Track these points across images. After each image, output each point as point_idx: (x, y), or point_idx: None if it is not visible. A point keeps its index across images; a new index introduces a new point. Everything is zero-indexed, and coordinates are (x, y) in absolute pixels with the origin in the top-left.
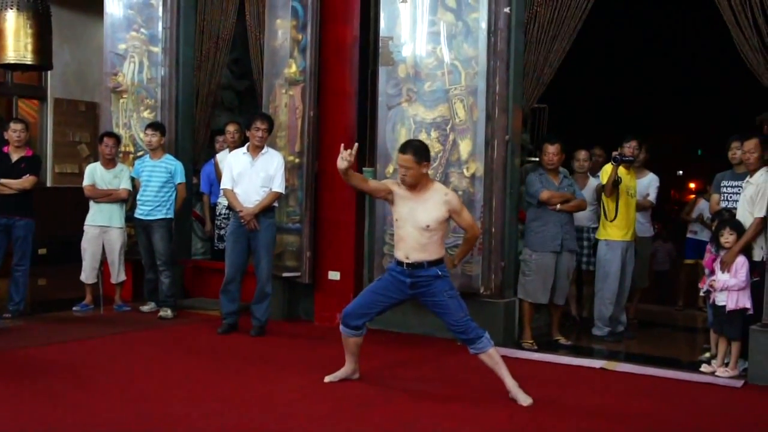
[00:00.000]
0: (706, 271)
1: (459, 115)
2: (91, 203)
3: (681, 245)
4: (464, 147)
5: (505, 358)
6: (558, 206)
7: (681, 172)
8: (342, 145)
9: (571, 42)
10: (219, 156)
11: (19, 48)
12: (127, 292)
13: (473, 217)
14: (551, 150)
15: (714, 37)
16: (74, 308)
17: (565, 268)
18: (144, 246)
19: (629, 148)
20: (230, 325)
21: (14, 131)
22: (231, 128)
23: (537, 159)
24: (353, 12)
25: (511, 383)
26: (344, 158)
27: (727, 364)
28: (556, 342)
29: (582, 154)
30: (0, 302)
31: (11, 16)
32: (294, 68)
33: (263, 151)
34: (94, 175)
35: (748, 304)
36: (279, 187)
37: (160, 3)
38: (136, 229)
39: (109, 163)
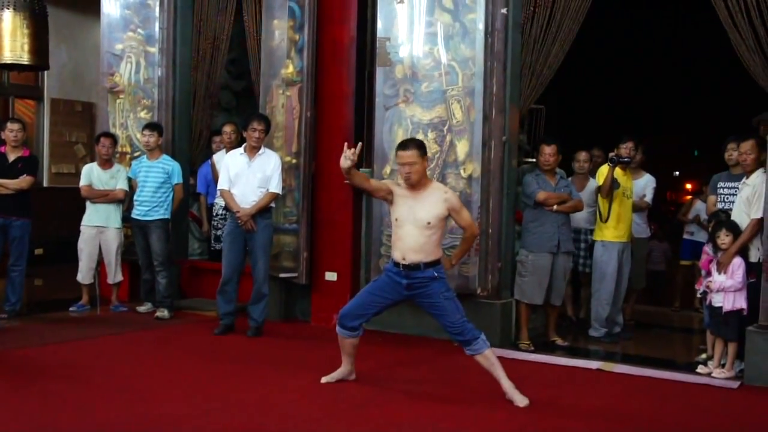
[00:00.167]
0: (703, 272)
1: (456, 116)
2: (88, 203)
3: (677, 246)
4: (461, 148)
5: (502, 359)
6: (554, 207)
7: (677, 173)
8: (345, 143)
9: (569, 43)
10: (216, 156)
11: (15, 48)
12: (124, 292)
13: (472, 217)
14: (548, 151)
15: (711, 39)
16: (71, 309)
17: (562, 268)
18: (141, 246)
19: (625, 149)
20: (227, 325)
21: (11, 131)
22: (228, 129)
23: (534, 160)
24: (350, 13)
25: (507, 384)
26: (348, 157)
27: (723, 365)
28: (552, 343)
29: (582, 155)
30: None
31: (8, 16)
32: (291, 69)
33: (260, 152)
34: (91, 175)
35: (744, 306)
36: (276, 187)
37: (157, 3)
38: (133, 230)
39: (106, 163)
